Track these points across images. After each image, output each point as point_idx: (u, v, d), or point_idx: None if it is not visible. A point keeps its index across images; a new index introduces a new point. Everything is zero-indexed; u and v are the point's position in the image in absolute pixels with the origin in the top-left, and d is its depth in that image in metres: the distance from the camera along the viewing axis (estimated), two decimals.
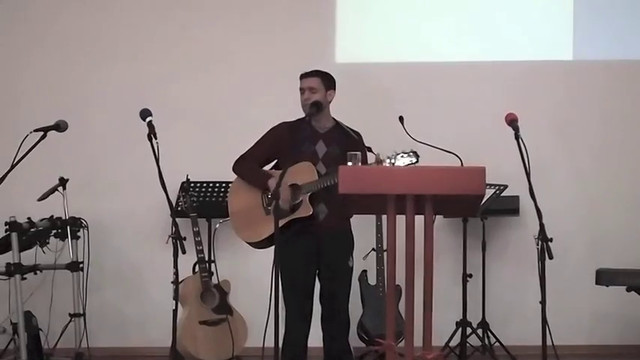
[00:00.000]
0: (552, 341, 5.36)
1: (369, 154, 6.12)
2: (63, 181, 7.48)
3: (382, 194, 4.71)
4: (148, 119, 5.59)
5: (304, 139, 6.06)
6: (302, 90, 6.14)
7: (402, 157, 5.47)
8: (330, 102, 6.20)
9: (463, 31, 8.41)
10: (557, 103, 8.36)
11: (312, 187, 5.94)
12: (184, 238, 5.47)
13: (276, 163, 6.22)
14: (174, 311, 5.53)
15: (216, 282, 7.40)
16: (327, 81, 6.19)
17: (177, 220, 5.49)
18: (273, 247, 5.57)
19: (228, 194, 6.41)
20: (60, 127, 6.45)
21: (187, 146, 8.17)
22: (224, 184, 7.65)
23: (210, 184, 7.85)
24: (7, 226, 7.05)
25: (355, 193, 4.73)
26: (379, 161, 5.59)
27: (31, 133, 6.24)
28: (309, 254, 6.05)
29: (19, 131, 6.27)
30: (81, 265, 7.53)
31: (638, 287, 6.91)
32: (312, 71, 6.22)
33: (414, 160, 5.52)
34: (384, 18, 8.42)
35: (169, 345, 5.81)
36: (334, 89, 6.21)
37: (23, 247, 7.16)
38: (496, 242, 8.21)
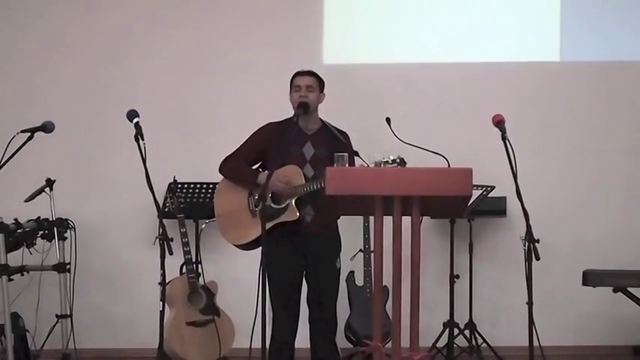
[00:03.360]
0: (539, 342, 5.38)
1: (356, 159, 6.13)
2: (50, 182, 7.48)
3: (369, 195, 4.72)
4: (135, 120, 5.59)
5: (291, 141, 6.05)
6: (298, 87, 6.11)
7: (389, 164, 5.45)
8: (319, 104, 6.20)
9: (450, 32, 8.43)
10: (544, 104, 8.38)
11: (299, 191, 5.94)
12: (171, 239, 5.47)
13: (262, 164, 6.21)
14: (162, 312, 5.53)
15: (203, 283, 7.39)
16: (321, 83, 6.20)
17: (164, 221, 5.49)
18: (260, 249, 5.57)
19: (214, 195, 6.39)
20: (47, 128, 6.44)
21: (174, 147, 8.17)
22: (211, 185, 7.65)
23: (198, 185, 7.85)
24: None
25: (342, 194, 4.74)
26: None
27: (18, 134, 6.23)
28: (296, 256, 6.04)
29: (5, 132, 6.25)
30: (68, 266, 7.52)
31: (625, 288, 6.92)
32: (309, 71, 6.23)
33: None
34: (371, 19, 8.43)
35: (156, 346, 5.81)
36: (324, 92, 6.22)
37: (10, 249, 7.13)
38: (483, 243, 8.23)
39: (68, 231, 7.56)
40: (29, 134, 6.30)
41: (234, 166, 6.16)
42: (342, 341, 7.26)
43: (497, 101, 7.72)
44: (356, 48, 8.44)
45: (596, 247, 8.20)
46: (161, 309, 5.52)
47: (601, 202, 8.36)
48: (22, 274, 7.38)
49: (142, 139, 5.49)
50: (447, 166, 5.53)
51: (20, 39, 8.43)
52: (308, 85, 6.11)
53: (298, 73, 6.20)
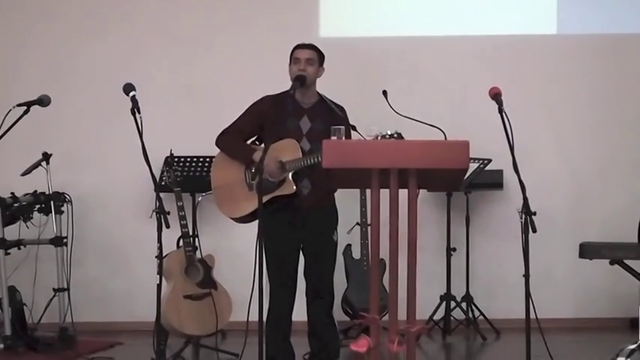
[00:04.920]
0: (536, 314, 5.39)
1: (353, 133, 6.12)
2: (46, 156, 7.46)
3: (366, 168, 4.71)
4: (131, 94, 5.57)
5: (288, 114, 6.04)
6: (297, 60, 6.07)
7: (386, 139, 5.43)
8: (317, 78, 6.17)
9: (447, 4, 8.41)
10: (541, 77, 8.37)
11: (296, 165, 5.92)
12: (168, 213, 5.47)
13: (258, 137, 6.19)
14: (159, 286, 5.53)
15: (200, 256, 7.39)
16: (321, 57, 6.17)
17: (161, 194, 5.49)
18: (257, 221, 5.56)
19: (211, 168, 6.39)
20: (43, 101, 6.43)
21: (171, 121, 8.16)
22: (208, 159, 7.63)
23: (194, 159, 7.84)
24: None
25: (339, 168, 4.73)
26: None
27: (14, 107, 6.23)
28: (293, 228, 6.04)
29: (1, 106, 6.24)
30: (65, 240, 7.51)
31: (621, 260, 6.93)
32: (310, 44, 6.19)
33: None
34: None
35: (154, 319, 5.81)
36: (323, 67, 6.19)
37: (7, 222, 7.14)
38: (480, 216, 8.23)
39: (65, 205, 7.54)
40: (25, 108, 6.28)
41: (230, 142, 6.15)
42: (339, 314, 7.27)
43: (494, 74, 7.71)
44: (353, 21, 8.42)
45: (593, 220, 8.22)
46: (158, 282, 5.52)
47: (598, 174, 8.36)
48: (19, 248, 7.38)
49: (139, 113, 5.48)
50: (443, 139, 5.51)
51: (15, 14, 8.39)
52: (308, 59, 6.07)
53: (299, 46, 6.16)
